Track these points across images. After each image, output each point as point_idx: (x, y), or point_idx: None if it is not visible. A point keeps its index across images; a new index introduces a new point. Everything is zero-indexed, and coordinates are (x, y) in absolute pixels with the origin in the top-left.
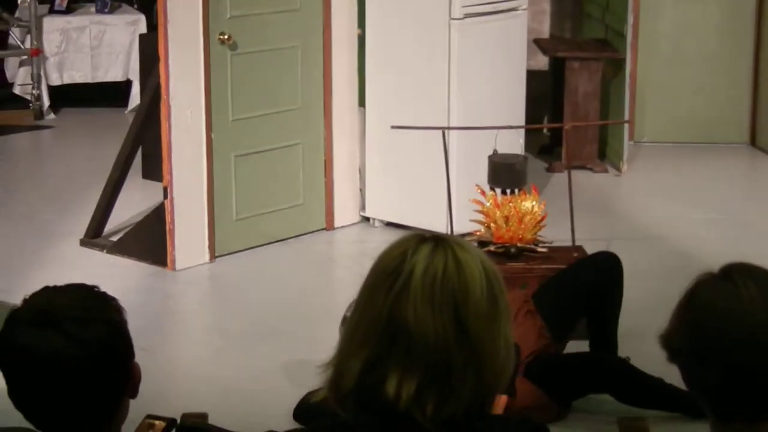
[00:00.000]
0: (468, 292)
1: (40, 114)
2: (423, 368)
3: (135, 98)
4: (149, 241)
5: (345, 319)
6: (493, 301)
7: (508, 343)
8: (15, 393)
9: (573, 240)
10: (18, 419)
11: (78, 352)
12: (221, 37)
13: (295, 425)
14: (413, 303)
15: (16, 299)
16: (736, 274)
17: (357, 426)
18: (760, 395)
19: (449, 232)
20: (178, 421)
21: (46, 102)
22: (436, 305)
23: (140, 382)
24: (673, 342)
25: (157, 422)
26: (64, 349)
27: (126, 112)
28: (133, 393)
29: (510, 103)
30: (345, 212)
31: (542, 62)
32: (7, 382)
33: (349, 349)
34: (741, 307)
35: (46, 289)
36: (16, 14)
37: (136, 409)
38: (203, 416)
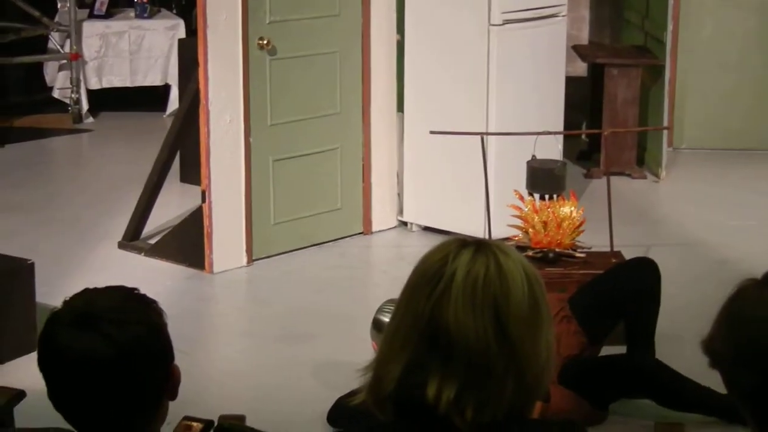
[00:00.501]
0: (509, 297)
1: (78, 118)
2: (463, 372)
3: (173, 102)
4: (187, 244)
5: (376, 323)
6: (535, 305)
7: (549, 348)
8: (55, 394)
9: (611, 245)
10: (58, 420)
11: (116, 354)
12: (260, 42)
13: (329, 429)
14: (454, 307)
15: (57, 302)
16: None
17: (395, 429)
18: None
19: (487, 237)
20: (216, 423)
21: (85, 106)
22: (477, 309)
23: (179, 384)
24: (716, 348)
25: (194, 424)
26: (103, 350)
27: (164, 116)
28: (173, 395)
29: (549, 109)
30: (382, 217)
31: (581, 68)
32: (47, 383)
33: (389, 352)
34: None
35: (86, 291)
36: (56, 19)
37: (174, 410)
38: (241, 418)
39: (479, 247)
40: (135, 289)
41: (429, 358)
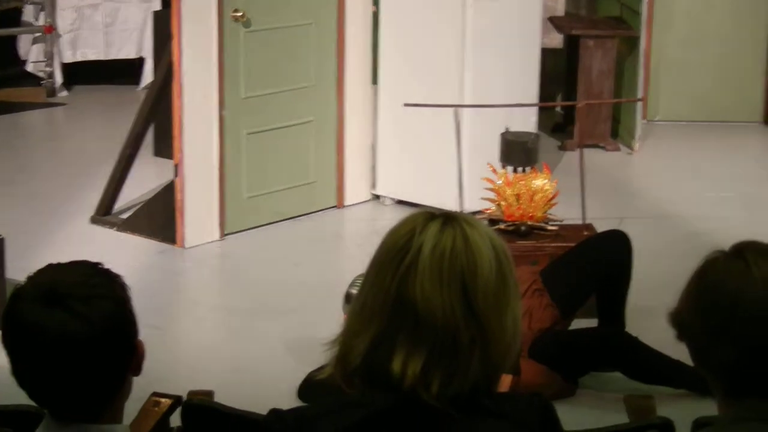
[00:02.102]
0: (476, 270)
1: (52, 91)
2: (430, 346)
3: (148, 76)
4: (159, 218)
5: (348, 297)
6: (502, 279)
7: (516, 321)
8: (19, 371)
9: (584, 218)
10: (21, 397)
11: (83, 330)
12: (235, 14)
13: (300, 403)
14: (421, 280)
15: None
16: (747, 252)
17: (362, 403)
18: None
19: (460, 210)
20: (184, 399)
21: (59, 79)
22: (444, 282)
23: (144, 360)
24: (683, 320)
25: (163, 400)
26: (70, 326)
27: (139, 89)
28: (137, 370)
29: (523, 81)
30: (356, 190)
31: (557, 40)
32: (11, 361)
33: (356, 326)
34: (752, 285)
35: (50, 266)
36: None
37: (144, 386)
38: (209, 393)
39: (446, 220)
40: (99, 263)
41: (395, 331)
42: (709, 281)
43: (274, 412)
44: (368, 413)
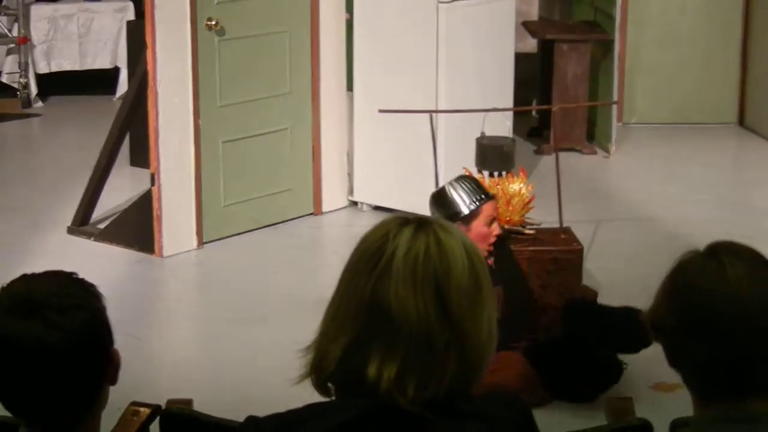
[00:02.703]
0: (450, 274)
1: (27, 102)
2: (405, 350)
3: (123, 85)
4: (137, 228)
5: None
6: (476, 282)
7: (490, 324)
8: None
9: (561, 222)
10: None
11: (59, 340)
12: (209, 23)
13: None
14: (395, 285)
15: None
16: (722, 252)
17: (339, 409)
18: (746, 372)
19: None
20: (163, 408)
21: (34, 90)
22: (417, 287)
23: (120, 369)
24: (658, 320)
25: (142, 409)
26: (45, 336)
27: (114, 99)
28: (113, 380)
29: (498, 86)
30: (333, 197)
31: (531, 45)
32: None
33: (330, 331)
34: (727, 285)
35: (24, 276)
36: (3, 2)
37: (123, 396)
38: (188, 402)
39: (420, 224)
40: (73, 273)
41: (370, 336)
42: (684, 281)
43: (251, 420)
44: (345, 419)
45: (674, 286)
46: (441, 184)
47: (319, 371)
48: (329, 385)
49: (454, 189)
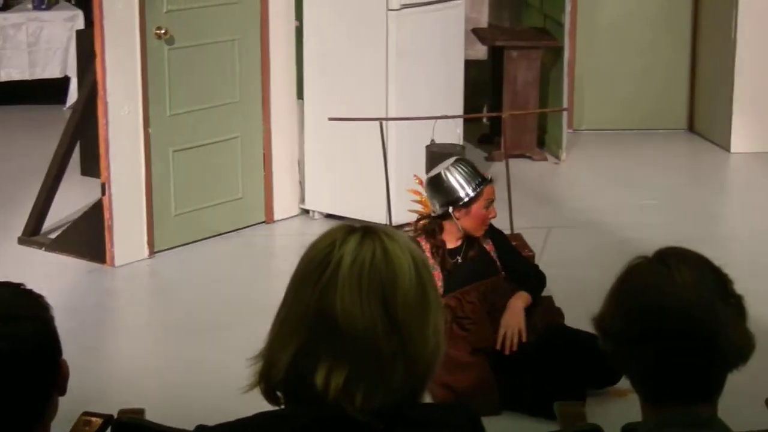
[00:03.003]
0: (396, 282)
1: None
2: (352, 358)
3: (73, 95)
4: (88, 237)
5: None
6: (422, 290)
7: (437, 331)
8: None
9: (512, 228)
10: None
11: (7, 350)
12: (158, 31)
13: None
14: (341, 293)
15: None
16: (669, 257)
17: (287, 417)
18: (693, 377)
19: (388, 223)
20: (115, 417)
21: None
22: (364, 295)
23: (68, 379)
24: (606, 324)
25: (93, 419)
26: None
27: (64, 108)
28: (62, 390)
29: (448, 93)
30: (284, 205)
31: (481, 52)
32: None
33: (278, 340)
34: (674, 290)
35: None
36: None
37: (76, 406)
38: (139, 411)
39: (366, 233)
40: (21, 284)
41: (318, 345)
42: (632, 286)
43: (200, 429)
44: (293, 428)
45: (622, 291)
46: (436, 171)
47: (267, 380)
48: (278, 393)
49: (452, 174)
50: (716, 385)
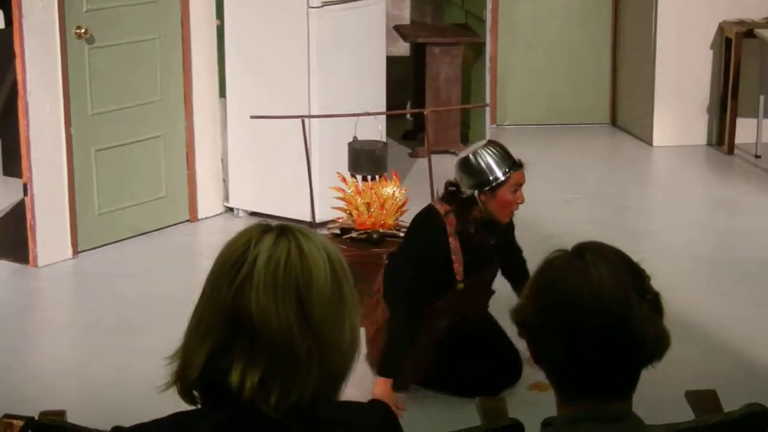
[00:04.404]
0: (311, 281)
1: None
2: (267, 357)
3: None
4: (11, 238)
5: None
6: (338, 289)
7: (353, 330)
8: None
9: None
10: None
11: None
12: (78, 31)
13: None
14: (256, 292)
15: None
16: (587, 252)
17: (203, 417)
18: (606, 372)
19: (312, 220)
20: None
21: None
22: (279, 294)
23: None
24: (523, 317)
25: (15, 421)
26: None
27: None
28: None
29: (371, 90)
30: (208, 203)
31: (404, 48)
32: None
33: (194, 339)
34: (589, 284)
35: None
36: None
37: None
38: (61, 413)
39: (281, 231)
40: None
41: (233, 344)
42: (549, 279)
43: (116, 430)
44: (209, 427)
45: (538, 284)
46: (466, 152)
47: (183, 379)
48: (195, 393)
49: (481, 157)
50: (630, 381)
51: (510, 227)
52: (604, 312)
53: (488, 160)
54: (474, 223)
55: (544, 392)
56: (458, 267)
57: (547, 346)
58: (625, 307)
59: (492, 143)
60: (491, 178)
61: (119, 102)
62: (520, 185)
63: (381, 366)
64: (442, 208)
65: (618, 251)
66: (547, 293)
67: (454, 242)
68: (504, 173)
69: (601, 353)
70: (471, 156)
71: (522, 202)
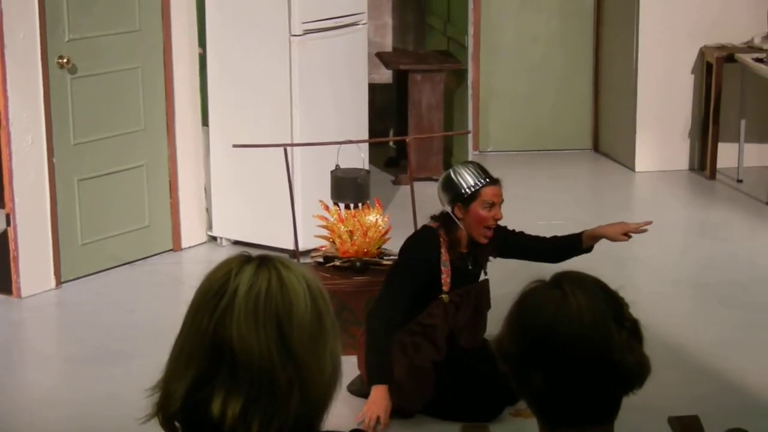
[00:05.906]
0: (291, 310)
1: None
2: (248, 387)
3: None
4: None
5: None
6: (318, 319)
7: (334, 360)
8: None
9: None
10: None
11: None
12: (60, 60)
13: None
14: (237, 322)
15: None
16: (565, 281)
17: None
18: (586, 400)
19: (295, 249)
20: None
21: None
22: (259, 324)
23: None
24: (503, 347)
25: None
26: None
27: None
28: None
29: (353, 118)
30: (192, 232)
31: (386, 75)
32: None
33: (175, 370)
34: (568, 313)
35: None
36: None
37: None
38: None
39: (262, 262)
40: None
41: (214, 374)
42: (527, 308)
43: None
44: None
45: (517, 314)
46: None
47: (165, 410)
48: (176, 423)
49: (459, 173)
50: (611, 408)
51: (496, 242)
52: (583, 341)
53: (464, 174)
54: (460, 244)
55: (527, 419)
56: (446, 278)
57: (525, 376)
58: (604, 335)
59: (471, 162)
60: (463, 191)
61: (102, 131)
62: (494, 203)
63: (369, 376)
64: (434, 225)
65: (596, 280)
66: (524, 323)
67: (445, 254)
68: (475, 186)
69: (580, 382)
70: (450, 171)
71: (499, 219)
